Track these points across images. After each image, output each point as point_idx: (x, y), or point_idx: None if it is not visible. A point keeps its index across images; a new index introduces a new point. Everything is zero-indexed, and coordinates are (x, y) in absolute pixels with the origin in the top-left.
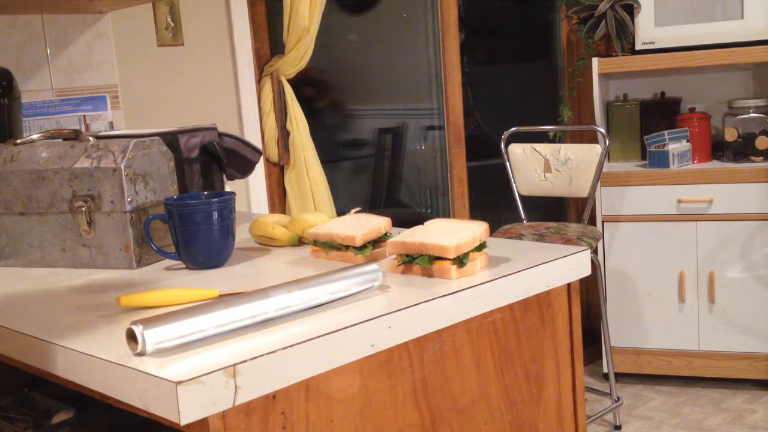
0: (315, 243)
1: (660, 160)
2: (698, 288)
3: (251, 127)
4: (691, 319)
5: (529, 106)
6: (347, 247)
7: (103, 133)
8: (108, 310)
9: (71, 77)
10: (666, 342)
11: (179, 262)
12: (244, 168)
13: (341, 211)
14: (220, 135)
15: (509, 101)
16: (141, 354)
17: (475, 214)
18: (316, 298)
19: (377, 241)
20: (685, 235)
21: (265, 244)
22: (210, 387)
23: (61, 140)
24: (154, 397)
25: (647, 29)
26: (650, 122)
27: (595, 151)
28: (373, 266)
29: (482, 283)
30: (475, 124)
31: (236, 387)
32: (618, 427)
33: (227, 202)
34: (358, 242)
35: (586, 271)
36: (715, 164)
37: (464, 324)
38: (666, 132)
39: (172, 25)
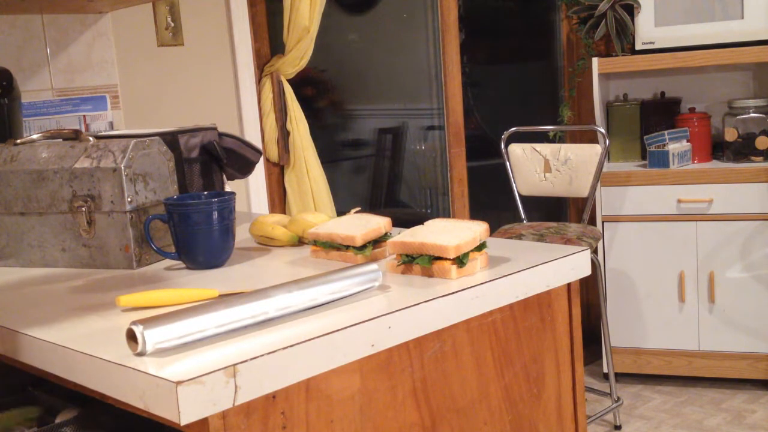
0: (315, 243)
1: (660, 160)
2: (698, 288)
3: (251, 127)
4: (691, 319)
5: (529, 106)
6: (347, 247)
7: (103, 133)
8: (108, 310)
9: (71, 77)
10: (666, 342)
11: (179, 262)
12: (244, 168)
13: (341, 211)
14: (220, 135)
15: (509, 101)
16: (141, 354)
17: (475, 214)
18: (316, 298)
19: (377, 241)
20: (685, 235)
21: (265, 244)
22: (210, 387)
23: (61, 140)
24: (154, 397)
25: (647, 29)
26: (650, 122)
27: (595, 151)
28: (373, 266)
29: (482, 283)
30: (475, 124)
31: (236, 387)
32: (618, 427)
33: (227, 202)
34: (358, 242)
35: (586, 271)
36: (715, 164)
37: (464, 324)
38: (666, 132)
39: (172, 25)
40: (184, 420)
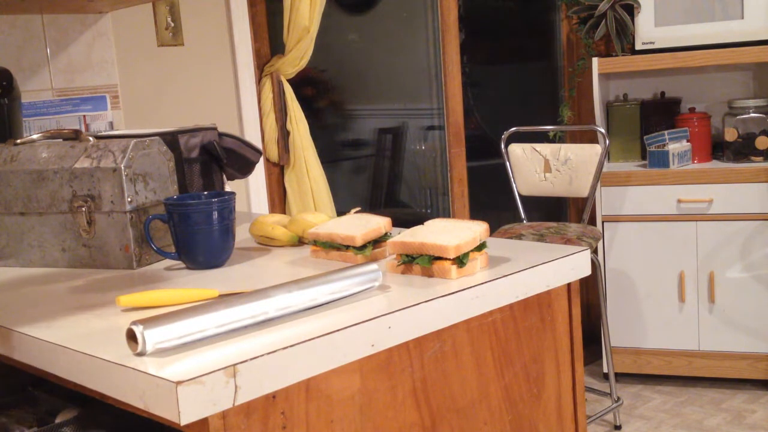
0: (315, 243)
1: (660, 160)
2: (698, 288)
3: (251, 127)
4: (691, 319)
5: (529, 106)
6: (347, 247)
7: (103, 133)
8: (108, 310)
9: (71, 77)
10: (666, 342)
11: (179, 262)
12: (244, 168)
13: (341, 211)
14: (220, 135)
15: (509, 101)
16: (141, 354)
17: (475, 214)
18: (316, 298)
19: (377, 241)
20: (685, 235)
21: (265, 244)
22: (210, 387)
23: (61, 140)
24: (154, 397)
25: (647, 29)
26: (650, 122)
27: (595, 151)
28: (373, 266)
29: (482, 283)
30: (475, 124)
31: (236, 387)
32: (618, 427)
33: (227, 202)
34: (358, 242)
35: (586, 271)
36: (715, 164)
37: (464, 324)
38: (666, 132)
39: (172, 25)
40: (184, 420)
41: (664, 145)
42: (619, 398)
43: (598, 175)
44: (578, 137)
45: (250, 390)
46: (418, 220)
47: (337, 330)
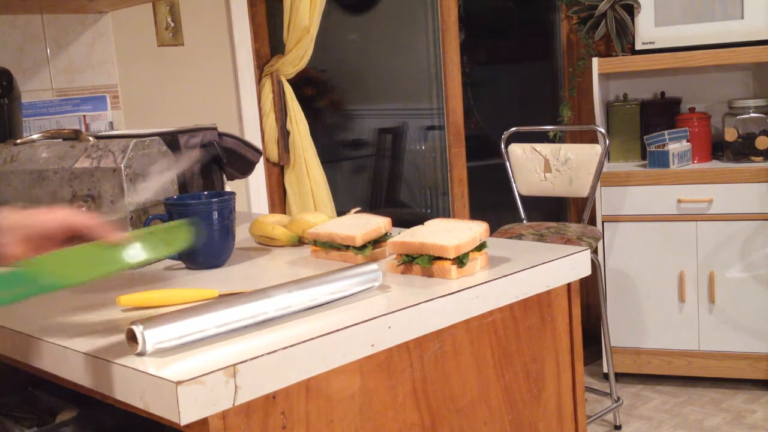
0: (315, 243)
1: (660, 160)
2: (698, 288)
3: (251, 127)
4: (691, 319)
5: (529, 106)
6: (347, 247)
7: (103, 133)
8: (108, 310)
9: (71, 77)
10: (666, 342)
11: (179, 262)
12: (244, 168)
13: (341, 211)
14: (220, 135)
15: (509, 101)
16: (141, 354)
17: (475, 214)
18: (316, 298)
19: (377, 241)
20: (685, 235)
21: (265, 244)
22: (210, 387)
23: (61, 140)
24: (154, 397)
25: (647, 29)
26: (650, 122)
27: (595, 151)
28: (373, 266)
29: (482, 283)
30: (475, 124)
31: (236, 387)
32: (618, 427)
33: (227, 202)
34: (358, 242)
35: (586, 271)
36: (715, 164)
37: (464, 324)
38: (666, 132)
39: (172, 25)
40: (184, 420)
41: (664, 145)
42: (619, 398)
43: (598, 175)
44: (578, 137)
45: (250, 390)
46: (418, 220)
47: (337, 330)
